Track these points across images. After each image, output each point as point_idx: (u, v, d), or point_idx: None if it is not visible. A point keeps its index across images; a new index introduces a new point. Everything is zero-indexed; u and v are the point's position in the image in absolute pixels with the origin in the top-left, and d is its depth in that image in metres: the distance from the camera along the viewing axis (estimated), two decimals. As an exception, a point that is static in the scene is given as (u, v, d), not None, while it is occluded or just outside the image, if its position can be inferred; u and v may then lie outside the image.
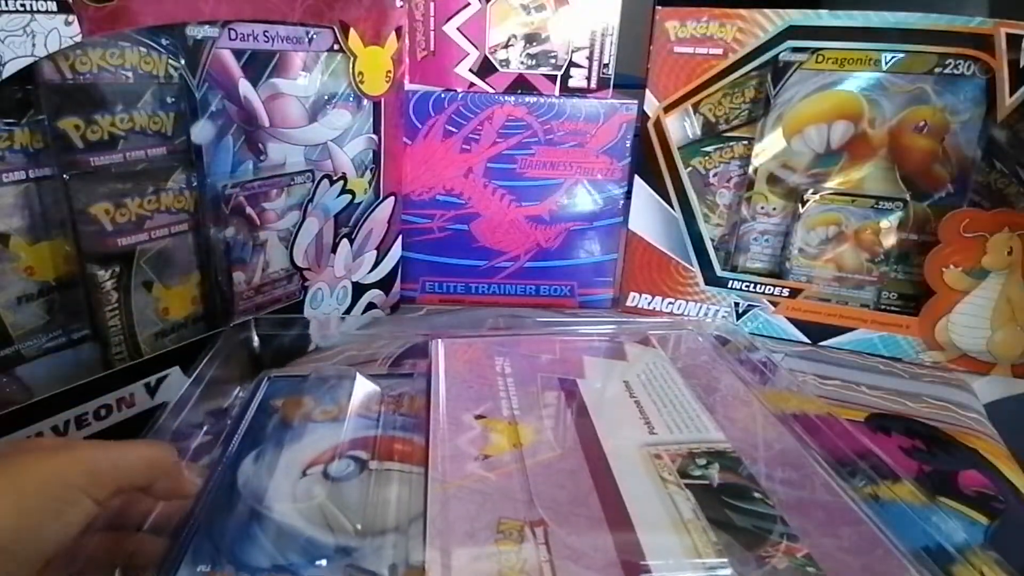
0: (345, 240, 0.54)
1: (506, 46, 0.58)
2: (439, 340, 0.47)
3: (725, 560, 0.29)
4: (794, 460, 0.37)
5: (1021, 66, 0.49)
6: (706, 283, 0.61)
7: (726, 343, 0.50)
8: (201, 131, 0.42)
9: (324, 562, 0.30)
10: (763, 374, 0.45)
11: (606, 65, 0.59)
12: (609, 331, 0.51)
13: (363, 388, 0.43)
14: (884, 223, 0.56)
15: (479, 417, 0.39)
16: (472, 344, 0.48)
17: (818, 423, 0.39)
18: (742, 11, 0.53)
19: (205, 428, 0.39)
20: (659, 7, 0.55)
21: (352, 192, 0.53)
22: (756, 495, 0.33)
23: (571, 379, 0.44)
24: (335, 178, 0.51)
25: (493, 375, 0.44)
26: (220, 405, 0.42)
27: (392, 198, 0.57)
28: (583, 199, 0.62)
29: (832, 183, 0.58)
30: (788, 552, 0.29)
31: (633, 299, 0.64)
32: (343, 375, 0.44)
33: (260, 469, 0.35)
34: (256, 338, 0.47)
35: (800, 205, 0.58)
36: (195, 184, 0.43)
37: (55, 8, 0.32)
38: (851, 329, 0.58)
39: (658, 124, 0.58)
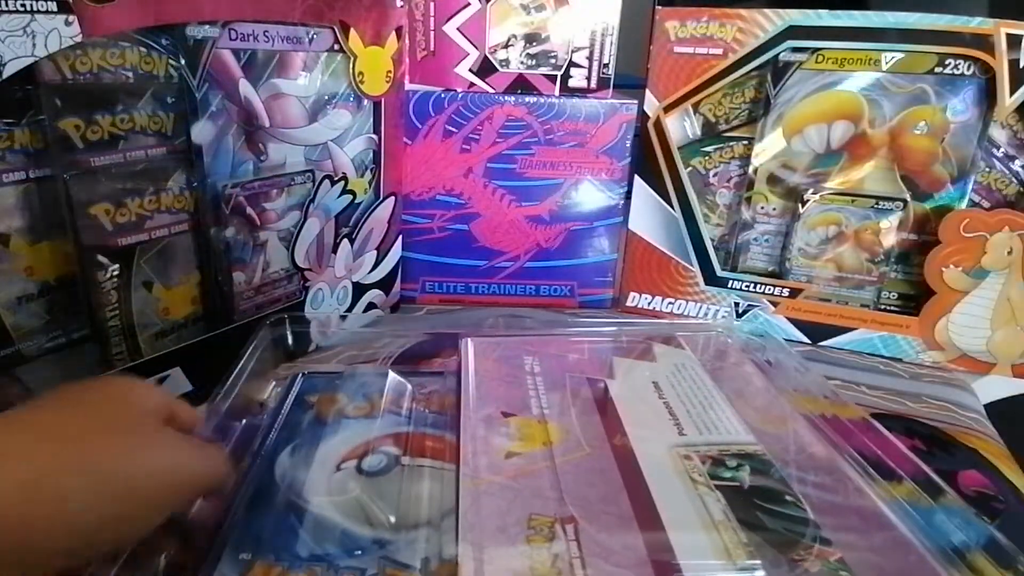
0: (346, 240, 0.54)
1: (506, 46, 0.58)
2: (468, 339, 0.47)
3: (757, 562, 0.29)
4: (826, 464, 0.36)
5: (1021, 66, 0.49)
6: (706, 283, 0.61)
7: (756, 345, 0.50)
8: (201, 131, 0.42)
9: (360, 553, 0.30)
10: (793, 377, 0.45)
11: (606, 65, 0.59)
12: (637, 332, 0.51)
13: (395, 386, 0.44)
14: (884, 223, 0.56)
15: (509, 415, 0.39)
16: (501, 343, 0.48)
17: (850, 427, 0.39)
18: (742, 11, 0.53)
19: (243, 421, 0.40)
20: (659, 7, 0.55)
21: (353, 192, 0.53)
22: (788, 498, 0.33)
23: (600, 379, 0.44)
24: (336, 178, 0.51)
25: (523, 374, 0.44)
26: (256, 399, 0.43)
27: (392, 198, 0.57)
28: (583, 199, 0.62)
29: (832, 183, 0.58)
30: (821, 556, 0.29)
31: (633, 299, 0.64)
32: (375, 373, 0.45)
33: (297, 463, 0.36)
34: (291, 335, 0.48)
35: (800, 205, 0.58)
36: (195, 184, 0.43)
37: (55, 8, 0.32)
38: (851, 329, 0.58)
39: (658, 124, 0.58)
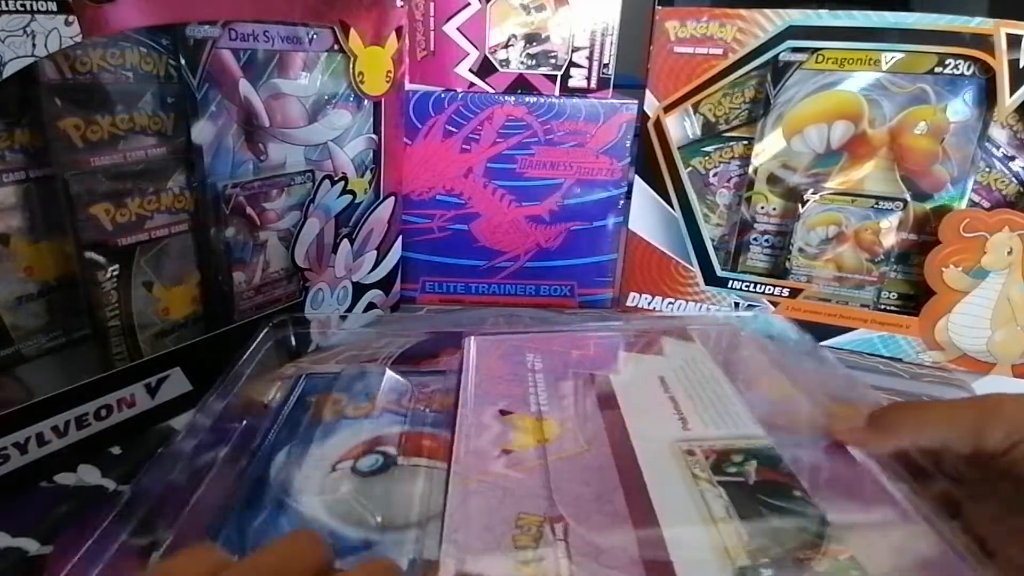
0: (345, 240, 0.54)
1: (506, 46, 0.58)
2: (471, 337, 0.47)
3: (758, 562, 0.28)
4: (840, 459, 0.35)
5: (1021, 66, 0.49)
6: (706, 283, 0.61)
7: (770, 338, 0.49)
8: (201, 131, 0.42)
9: (346, 554, 0.30)
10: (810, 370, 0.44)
11: (606, 65, 0.59)
12: (643, 327, 0.50)
13: (394, 385, 0.44)
14: (884, 223, 0.56)
15: (505, 413, 0.39)
16: (505, 341, 0.48)
17: None
18: (742, 11, 0.53)
19: (244, 421, 0.40)
20: (659, 7, 0.55)
21: (353, 192, 0.53)
22: (796, 493, 0.32)
23: (604, 374, 0.43)
24: (336, 178, 0.51)
25: (524, 371, 0.44)
26: (259, 399, 0.43)
27: (392, 198, 0.57)
28: (583, 199, 0.61)
29: (832, 183, 0.58)
30: (830, 554, 0.28)
31: (633, 299, 0.64)
32: (375, 372, 0.45)
33: (292, 462, 0.36)
34: (291, 335, 0.48)
35: (800, 205, 0.58)
36: (195, 184, 0.43)
37: (55, 8, 0.32)
38: (851, 329, 0.58)
39: (658, 124, 0.58)
